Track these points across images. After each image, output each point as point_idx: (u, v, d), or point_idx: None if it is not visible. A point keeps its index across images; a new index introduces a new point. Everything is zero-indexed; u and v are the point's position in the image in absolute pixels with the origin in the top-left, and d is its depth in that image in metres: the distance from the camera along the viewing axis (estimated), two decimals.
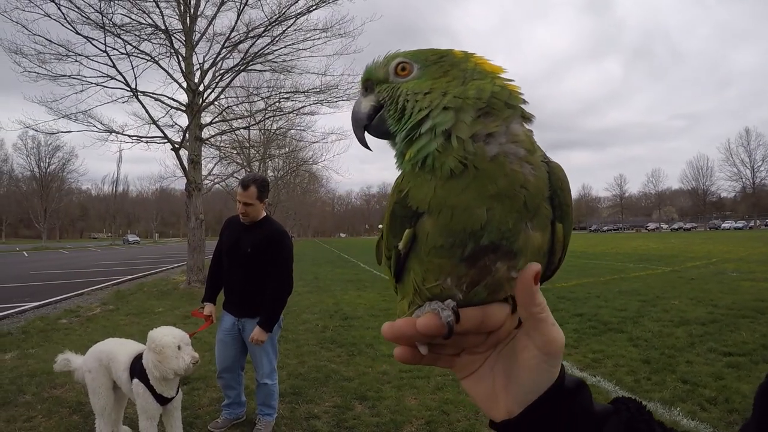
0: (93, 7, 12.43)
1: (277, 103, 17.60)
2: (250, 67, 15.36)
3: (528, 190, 0.54)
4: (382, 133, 0.63)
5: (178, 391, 3.70)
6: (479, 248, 0.54)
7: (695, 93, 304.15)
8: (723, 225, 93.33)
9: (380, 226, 0.68)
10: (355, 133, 0.65)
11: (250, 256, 4.17)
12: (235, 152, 26.48)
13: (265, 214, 4.38)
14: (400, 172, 0.60)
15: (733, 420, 4.33)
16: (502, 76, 0.58)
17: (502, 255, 0.55)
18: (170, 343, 3.48)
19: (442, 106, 0.55)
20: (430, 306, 0.57)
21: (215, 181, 21.35)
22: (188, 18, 14.20)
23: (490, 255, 0.54)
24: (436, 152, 0.54)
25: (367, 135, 0.65)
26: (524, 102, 0.58)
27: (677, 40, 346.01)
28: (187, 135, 14.22)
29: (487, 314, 0.58)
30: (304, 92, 16.58)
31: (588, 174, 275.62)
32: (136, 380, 3.53)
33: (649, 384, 5.24)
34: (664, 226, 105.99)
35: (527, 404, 0.57)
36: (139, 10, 13.55)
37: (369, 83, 0.64)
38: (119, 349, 3.76)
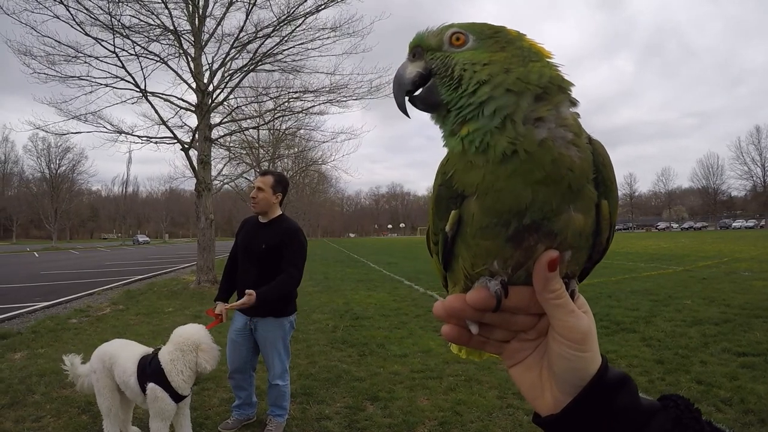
0: (102, 9, 12.49)
1: (286, 103, 17.60)
2: (259, 67, 15.38)
3: (573, 173, 0.54)
4: (430, 105, 0.61)
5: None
6: (522, 227, 0.55)
7: (707, 90, 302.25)
8: (734, 224, 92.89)
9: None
10: (395, 96, 0.64)
11: (265, 253, 4.15)
12: (244, 152, 26.52)
13: (280, 212, 4.34)
14: (445, 148, 0.59)
15: (748, 421, 4.28)
16: (554, 61, 0.58)
17: (543, 235, 0.55)
18: (187, 345, 3.61)
19: (506, 87, 0.55)
20: (480, 281, 0.59)
21: (225, 181, 21.34)
22: (197, 19, 14.22)
23: (533, 235, 0.55)
24: (494, 131, 0.54)
25: (407, 103, 0.64)
26: (572, 86, 0.58)
27: (689, 37, 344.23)
28: (196, 135, 14.26)
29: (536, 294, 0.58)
30: (313, 92, 16.57)
31: None
32: (152, 384, 3.52)
33: (663, 385, 5.19)
34: (675, 225, 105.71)
35: (568, 395, 0.57)
36: (148, 11, 13.60)
37: (418, 50, 0.63)
38: (122, 354, 3.77)
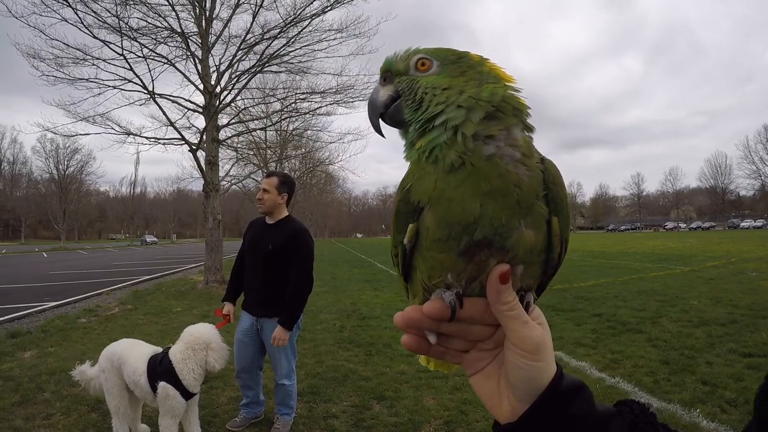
0: (109, 12, 12.56)
1: (293, 104, 17.66)
2: (266, 69, 15.41)
3: (521, 189, 0.57)
4: (396, 122, 0.68)
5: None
6: (473, 243, 0.58)
7: (715, 89, 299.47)
8: (742, 224, 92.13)
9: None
10: (370, 119, 0.70)
11: (271, 254, 4.18)
12: (251, 153, 26.55)
13: (287, 214, 4.39)
14: (407, 162, 0.64)
15: None
16: (513, 85, 0.62)
17: (496, 251, 0.58)
18: (197, 344, 3.67)
19: (457, 104, 0.59)
20: (435, 293, 0.62)
21: (232, 182, 21.41)
22: (204, 21, 14.28)
23: (484, 250, 0.58)
24: (443, 144, 0.58)
25: (381, 123, 0.70)
26: (528, 114, 0.62)
27: (697, 35, 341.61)
28: (204, 136, 14.32)
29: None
30: (320, 93, 16.60)
31: (606, 173, 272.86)
32: (162, 383, 3.57)
33: (668, 385, 5.20)
34: (682, 225, 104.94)
35: (525, 403, 0.60)
36: (155, 13, 13.67)
37: (388, 74, 0.69)
38: (131, 354, 3.81)
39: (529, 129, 0.62)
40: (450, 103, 0.60)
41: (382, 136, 0.71)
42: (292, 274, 4.14)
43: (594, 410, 0.60)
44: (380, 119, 0.69)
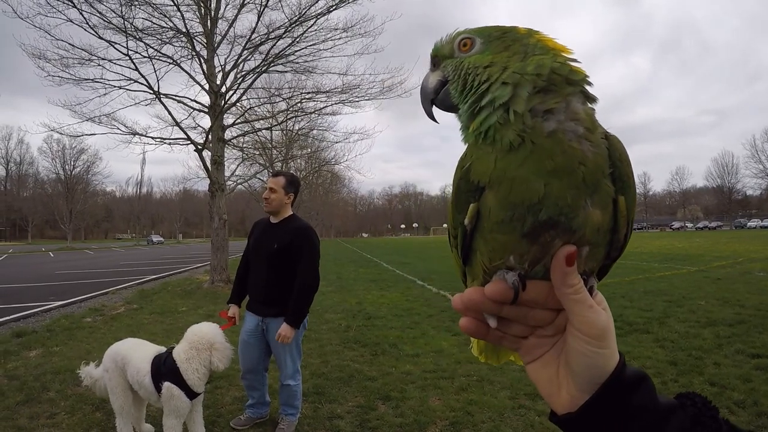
0: (115, 12, 12.59)
1: (298, 104, 17.64)
2: (271, 69, 15.40)
3: (586, 167, 0.55)
4: (447, 107, 0.66)
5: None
6: (538, 223, 0.56)
7: (724, 87, 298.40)
8: (749, 224, 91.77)
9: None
10: (423, 106, 0.69)
11: (276, 253, 4.17)
12: (257, 153, 26.61)
13: (291, 213, 4.38)
14: (465, 144, 0.62)
15: (762, 423, 4.25)
16: (567, 55, 0.59)
17: (561, 232, 0.56)
18: (202, 343, 3.67)
19: (501, 81, 0.57)
20: (497, 274, 0.60)
21: (238, 181, 21.46)
22: (209, 21, 14.29)
23: (549, 231, 0.56)
24: (497, 124, 0.56)
25: (434, 109, 0.69)
26: (587, 81, 0.59)
27: (706, 33, 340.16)
28: (209, 136, 14.34)
29: (554, 288, 0.59)
30: (325, 92, 16.57)
31: None
32: (167, 383, 3.57)
33: (676, 386, 5.16)
34: (689, 224, 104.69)
35: (585, 392, 0.58)
36: (161, 14, 13.70)
37: (436, 59, 0.68)
38: (135, 354, 3.81)
39: (591, 99, 0.59)
40: (494, 81, 0.58)
41: (436, 122, 0.70)
42: (299, 271, 4.12)
43: (656, 402, 0.58)
44: (432, 105, 0.68)
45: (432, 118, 0.69)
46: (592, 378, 0.57)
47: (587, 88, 0.59)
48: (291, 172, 4.55)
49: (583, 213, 0.56)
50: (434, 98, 0.67)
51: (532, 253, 0.58)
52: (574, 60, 0.59)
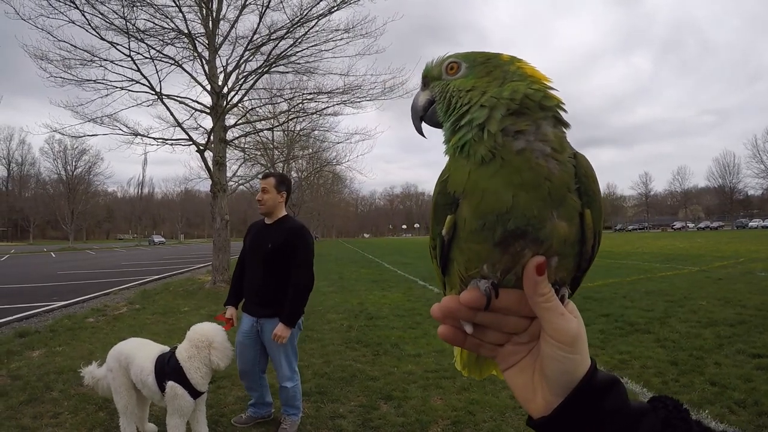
0: (117, 13, 12.59)
1: (300, 105, 17.63)
2: (272, 69, 15.41)
3: (552, 182, 0.59)
4: (434, 124, 0.72)
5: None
6: (508, 233, 0.60)
7: (724, 87, 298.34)
8: (750, 223, 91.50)
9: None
10: (413, 122, 0.75)
11: (271, 253, 4.19)
12: (259, 153, 26.65)
13: (285, 213, 4.41)
14: (446, 157, 0.67)
15: (762, 423, 4.25)
16: (545, 82, 0.65)
17: (530, 242, 0.60)
18: (200, 342, 3.68)
19: (480, 104, 0.63)
20: (471, 282, 0.64)
21: (240, 182, 21.48)
22: (211, 22, 14.32)
23: (519, 241, 0.60)
24: (472, 141, 0.62)
25: (423, 125, 0.75)
26: (561, 108, 0.64)
27: (707, 33, 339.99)
28: (211, 137, 14.36)
29: (526, 296, 0.62)
30: (327, 93, 16.57)
31: (614, 172, 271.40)
32: (171, 383, 3.59)
33: (677, 386, 5.17)
34: (691, 224, 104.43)
35: (559, 396, 0.61)
36: (162, 15, 13.71)
37: (426, 79, 0.74)
38: (139, 353, 3.83)
39: (564, 124, 0.64)
40: (473, 104, 0.63)
41: (424, 137, 0.76)
42: (293, 271, 4.14)
43: (627, 405, 0.61)
44: (421, 122, 0.74)
45: (420, 132, 0.76)
46: (565, 383, 0.60)
47: (561, 113, 0.64)
48: (281, 171, 4.57)
49: (549, 224, 0.60)
50: (423, 115, 0.74)
51: (503, 263, 0.62)
52: (551, 88, 0.64)
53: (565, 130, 0.64)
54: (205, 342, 3.68)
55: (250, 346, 4.32)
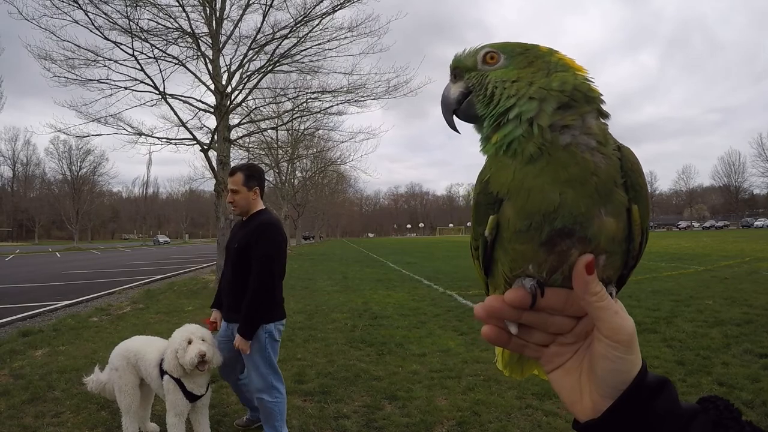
0: (120, 13, 12.58)
1: (304, 104, 17.63)
2: (276, 68, 15.40)
3: (599, 177, 0.57)
4: (469, 117, 0.68)
5: (207, 389, 3.75)
6: (554, 232, 0.58)
7: (731, 85, 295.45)
8: (756, 223, 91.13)
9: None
10: (444, 116, 0.70)
11: (236, 254, 3.88)
12: (263, 153, 26.73)
13: (261, 207, 4.05)
14: (484, 156, 0.64)
15: None
16: (584, 74, 0.63)
17: (577, 240, 0.58)
18: (177, 338, 3.61)
19: (528, 96, 0.60)
20: (516, 282, 0.63)
21: None
22: (214, 21, 14.27)
23: (566, 240, 0.58)
24: (521, 137, 0.58)
25: (455, 119, 0.70)
26: (602, 100, 0.62)
27: (713, 31, 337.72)
28: (215, 136, 14.34)
29: (572, 295, 0.60)
30: (331, 92, 16.56)
31: None
32: (166, 377, 3.60)
33: (684, 386, 5.12)
34: (696, 224, 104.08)
35: (608, 398, 0.58)
36: (166, 14, 13.69)
37: (458, 71, 0.69)
38: (147, 348, 3.84)
39: (604, 115, 0.62)
40: (521, 96, 0.60)
41: (457, 132, 0.72)
42: (251, 273, 3.73)
43: (678, 406, 0.59)
44: (453, 116, 0.69)
45: (453, 128, 0.71)
46: (616, 383, 0.58)
47: (602, 106, 0.62)
48: (248, 163, 4.40)
49: (597, 222, 0.58)
50: (456, 108, 0.69)
51: (549, 262, 0.60)
52: (591, 80, 0.62)
53: (606, 122, 0.62)
54: (171, 344, 3.63)
55: (225, 350, 3.99)
